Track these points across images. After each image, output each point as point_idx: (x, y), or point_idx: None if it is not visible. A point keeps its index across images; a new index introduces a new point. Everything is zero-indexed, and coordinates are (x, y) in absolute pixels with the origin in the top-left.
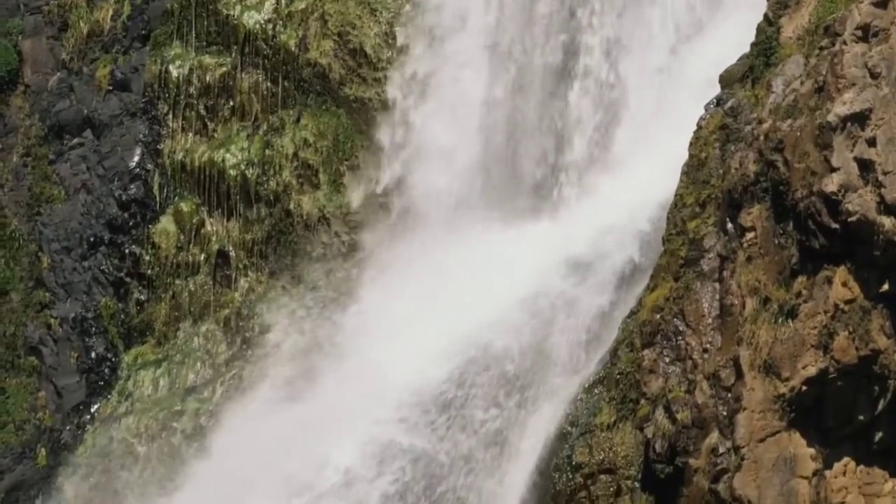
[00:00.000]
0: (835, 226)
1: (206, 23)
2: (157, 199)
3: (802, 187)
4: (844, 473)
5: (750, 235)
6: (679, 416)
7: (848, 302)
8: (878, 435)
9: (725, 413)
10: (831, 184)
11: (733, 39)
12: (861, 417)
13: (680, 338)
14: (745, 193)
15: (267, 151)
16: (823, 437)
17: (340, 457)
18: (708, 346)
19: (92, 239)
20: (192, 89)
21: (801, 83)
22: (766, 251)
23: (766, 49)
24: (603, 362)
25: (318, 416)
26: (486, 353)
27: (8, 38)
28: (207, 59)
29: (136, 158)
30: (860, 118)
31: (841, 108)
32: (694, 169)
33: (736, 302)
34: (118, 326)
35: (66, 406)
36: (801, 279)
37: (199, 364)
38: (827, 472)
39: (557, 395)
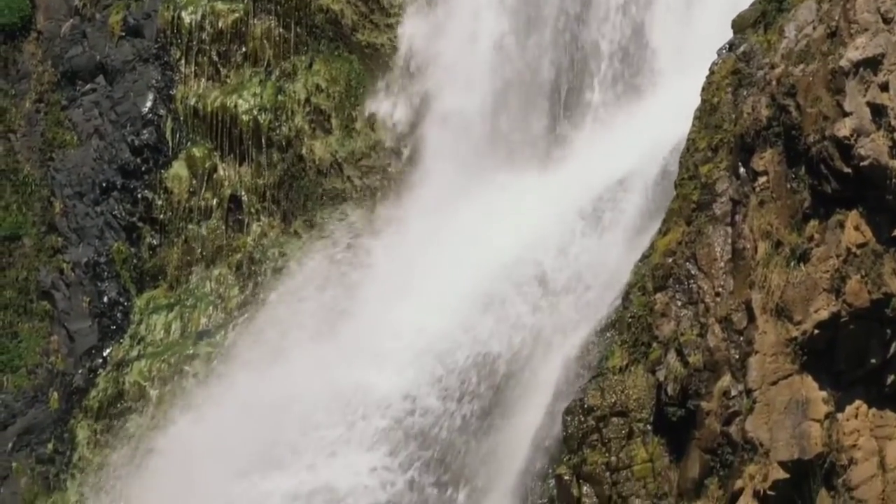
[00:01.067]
0: (847, 170)
1: None
2: (170, 144)
3: (815, 132)
4: (856, 416)
5: (762, 180)
6: (691, 360)
7: (860, 246)
8: (891, 378)
9: (737, 356)
10: (844, 128)
11: None
12: (873, 361)
13: (692, 281)
14: (758, 138)
15: (279, 97)
16: (835, 380)
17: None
18: (720, 289)
19: (104, 184)
20: (204, 35)
21: (814, 28)
22: (778, 195)
23: None
24: (615, 306)
25: (341, 353)
26: (491, 300)
27: None
28: (220, 5)
29: (149, 104)
30: (873, 63)
31: (853, 53)
32: (706, 114)
33: (748, 246)
34: (130, 271)
35: (78, 350)
36: (813, 223)
37: (211, 308)
38: (839, 415)
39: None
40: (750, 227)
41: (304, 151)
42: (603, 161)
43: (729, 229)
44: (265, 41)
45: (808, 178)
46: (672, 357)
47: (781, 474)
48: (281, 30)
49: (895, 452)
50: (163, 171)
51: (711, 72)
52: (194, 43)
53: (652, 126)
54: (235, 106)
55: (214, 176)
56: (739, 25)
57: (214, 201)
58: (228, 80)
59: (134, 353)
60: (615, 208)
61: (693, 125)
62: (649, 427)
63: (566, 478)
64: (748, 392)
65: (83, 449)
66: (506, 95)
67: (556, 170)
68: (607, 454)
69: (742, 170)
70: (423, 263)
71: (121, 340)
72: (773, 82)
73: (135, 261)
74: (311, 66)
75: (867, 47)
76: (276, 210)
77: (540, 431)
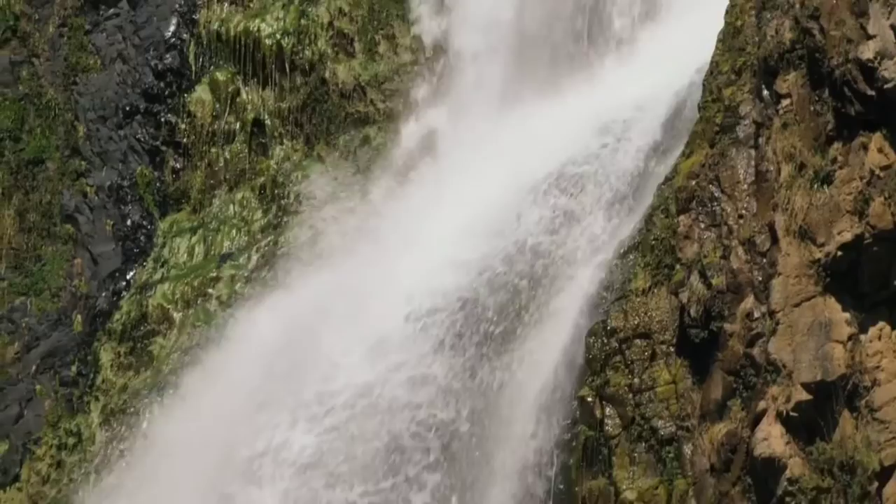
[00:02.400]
0: (871, 92)
1: None
2: (193, 68)
3: (838, 55)
4: (879, 338)
5: (786, 102)
6: (714, 282)
7: (884, 168)
8: None
9: (760, 278)
10: (867, 51)
11: None
12: None
13: (715, 204)
14: (781, 61)
15: (302, 21)
16: (858, 302)
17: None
18: (743, 211)
19: (127, 108)
20: None
21: None
22: (801, 118)
23: None
24: (637, 228)
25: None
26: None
27: None
28: None
29: (172, 28)
30: None
31: None
32: (729, 36)
33: (771, 168)
34: (154, 194)
35: (101, 273)
36: (836, 145)
37: (234, 231)
38: (862, 337)
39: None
40: (773, 149)
41: (326, 75)
42: (627, 84)
43: (752, 152)
44: None
45: (832, 100)
46: (695, 279)
47: (804, 396)
48: None
49: None
50: (186, 95)
51: None
52: None
53: (675, 49)
54: (258, 30)
55: (237, 100)
56: None
57: (237, 125)
58: (251, 4)
59: (157, 275)
60: (638, 130)
61: (716, 48)
62: (672, 349)
63: (589, 399)
64: (771, 314)
65: (106, 371)
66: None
67: (583, 92)
68: (630, 376)
69: (765, 92)
70: (450, 184)
71: (144, 263)
72: (797, 5)
73: (158, 184)
74: None
75: None
76: (298, 133)
77: (563, 353)
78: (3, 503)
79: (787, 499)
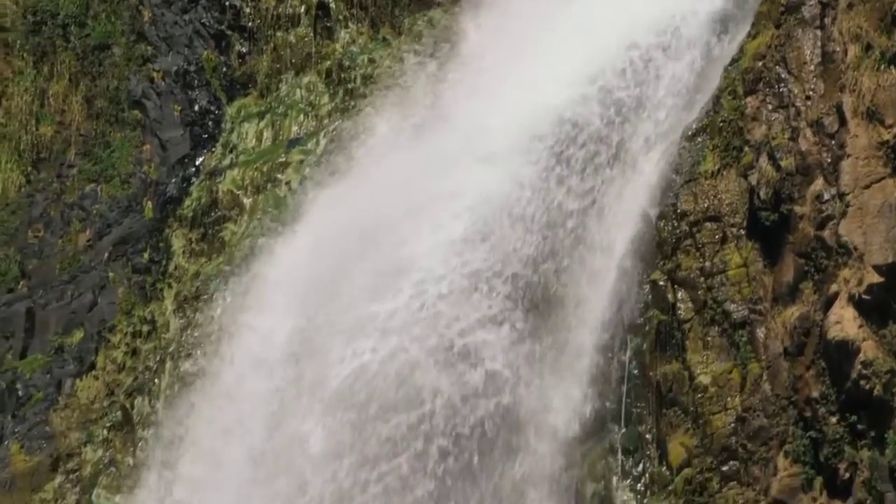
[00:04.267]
0: None
1: None
2: None
3: None
4: None
5: None
6: (783, 164)
7: None
8: None
9: (829, 160)
10: None
11: None
12: None
13: (782, 85)
14: None
15: None
16: None
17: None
18: (811, 93)
19: None
20: None
21: None
22: None
23: None
24: (705, 110)
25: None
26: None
27: None
28: None
29: None
30: None
31: None
32: None
33: (838, 49)
34: (220, 79)
35: (170, 159)
36: None
37: (301, 116)
38: None
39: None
40: (839, 29)
41: None
42: None
43: (818, 32)
44: None
45: None
46: (764, 161)
47: (876, 278)
48: None
49: None
50: None
51: None
52: None
53: None
54: None
55: None
56: None
57: (302, 8)
58: None
59: (226, 161)
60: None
61: None
62: (742, 232)
63: (661, 283)
64: (841, 196)
65: (179, 258)
66: None
67: None
68: (701, 259)
69: None
70: (525, 52)
71: (213, 149)
72: None
73: (224, 69)
74: None
75: None
76: (363, 16)
77: (634, 237)
78: (79, 391)
79: (862, 382)
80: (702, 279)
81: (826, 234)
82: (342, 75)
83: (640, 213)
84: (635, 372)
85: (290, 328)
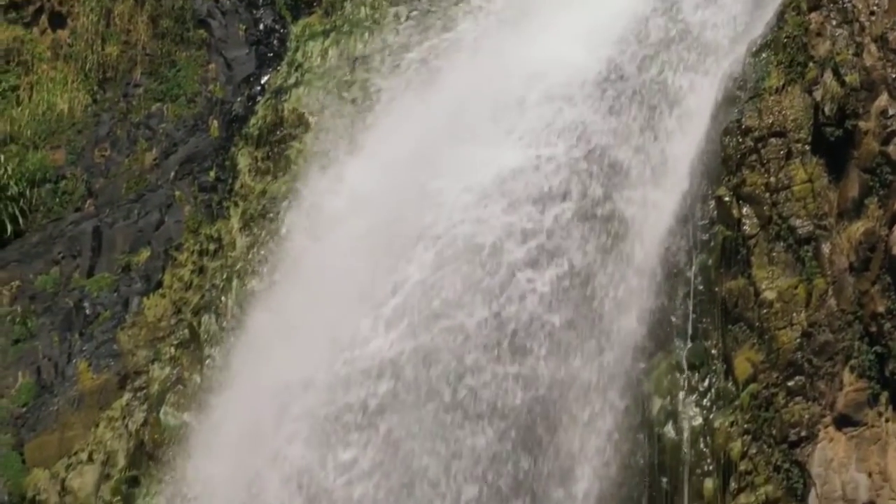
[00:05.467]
0: None
1: None
2: None
3: None
4: None
5: None
6: (847, 79)
7: None
8: None
9: (894, 75)
10: None
11: None
12: None
13: (846, 0)
14: None
15: None
16: None
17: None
18: (875, 8)
19: None
20: None
21: None
22: None
23: None
24: (769, 26)
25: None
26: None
27: None
28: None
29: None
30: None
31: None
32: None
33: None
34: None
35: (236, 78)
36: None
37: (367, 34)
38: None
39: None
40: None
41: None
42: None
43: None
44: None
45: None
46: (828, 76)
47: None
48: None
49: None
50: None
51: None
52: None
53: None
54: None
55: None
56: None
57: None
58: None
59: (292, 80)
60: None
61: None
62: (807, 147)
63: (726, 199)
64: None
65: (245, 176)
66: None
67: None
68: (766, 175)
69: None
70: None
71: (278, 68)
72: None
73: None
74: None
75: None
76: None
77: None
78: (147, 310)
79: None
80: (767, 195)
81: (891, 149)
82: None
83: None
84: (701, 288)
85: (356, 238)
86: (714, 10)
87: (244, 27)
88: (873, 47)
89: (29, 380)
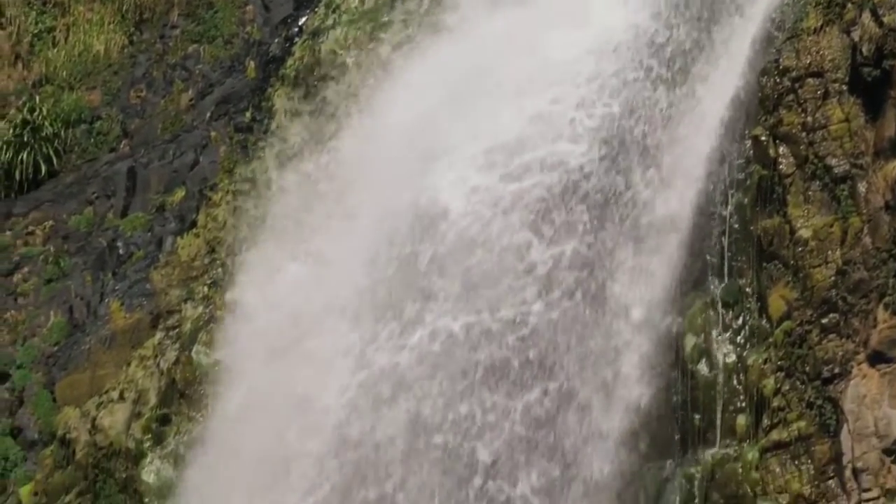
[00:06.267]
0: None
1: None
2: None
3: None
4: None
5: None
6: (885, 20)
7: None
8: None
9: None
10: None
11: None
12: None
13: None
14: None
15: None
16: None
17: None
18: None
19: None
20: None
21: None
22: None
23: None
24: None
25: None
26: None
27: None
28: None
29: None
30: None
31: None
32: None
33: None
34: None
35: (273, 19)
36: None
37: None
38: None
39: None
40: None
41: None
42: None
43: None
44: None
45: None
46: (866, 17)
47: None
48: None
49: None
50: None
51: None
52: None
53: None
54: None
55: None
56: None
57: None
58: None
59: (329, 21)
60: None
61: None
62: (845, 87)
63: (762, 138)
64: None
65: (281, 117)
66: None
67: None
68: (803, 114)
69: None
70: None
71: (316, 9)
72: None
73: None
74: None
75: None
76: None
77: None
78: (180, 249)
79: None
80: (803, 134)
81: None
82: None
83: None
84: (736, 227)
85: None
86: None
87: None
88: None
89: (61, 319)
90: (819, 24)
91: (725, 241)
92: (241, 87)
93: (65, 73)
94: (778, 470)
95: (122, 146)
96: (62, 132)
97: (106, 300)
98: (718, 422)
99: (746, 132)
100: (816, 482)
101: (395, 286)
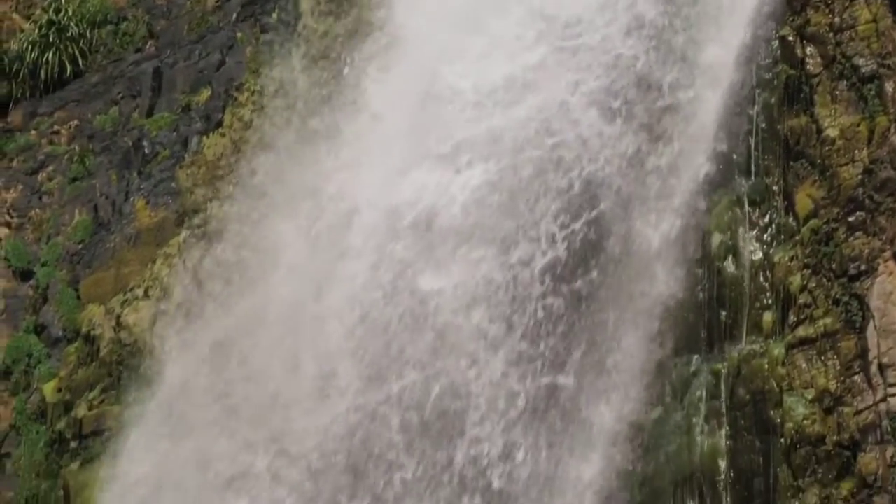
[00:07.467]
0: None
1: None
2: None
3: None
4: None
5: None
6: None
7: None
8: None
9: None
10: None
11: None
12: None
13: None
14: None
15: None
16: None
17: None
18: None
19: None
20: None
21: None
22: None
23: None
24: None
25: None
26: None
27: None
28: None
29: None
30: None
31: None
32: None
33: None
34: None
35: None
36: None
37: None
38: None
39: None
40: None
41: None
42: None
43: None
44: None
45: None
46: None
47: None
48: None
49: None
50: None
51: None
52: None
53: None
54: None
55: None
56: None
57: None
58: None
59: None
60: None
61: None
62: None
63: (790, 39)
64: None
65: (307, 18)
66: None
67: None
68: (830, 14)
69: None
70: None
71: None
72: None
73: None
74: None
75: None
76: None
77: None
78: (206, 148)
79: None
80: (831, 34)
81: None
82: None
83: None
84: (763, 126)
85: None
86: None
87: None
88: None
89: (86, 217)
90: None
91: (752, 141)
92: None
93: None
94: (804, 365)
95: (147, 47)
96: (88, 32)
97: (131, 199)
98: (745, 319)
99: (774, 33)
100: (842, 377)
101: None
